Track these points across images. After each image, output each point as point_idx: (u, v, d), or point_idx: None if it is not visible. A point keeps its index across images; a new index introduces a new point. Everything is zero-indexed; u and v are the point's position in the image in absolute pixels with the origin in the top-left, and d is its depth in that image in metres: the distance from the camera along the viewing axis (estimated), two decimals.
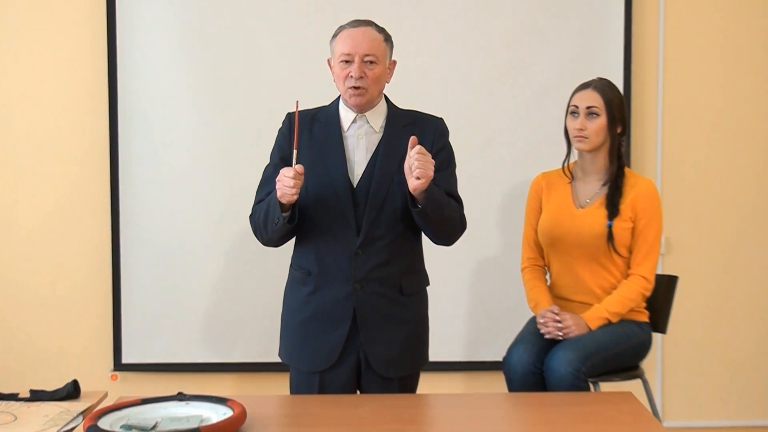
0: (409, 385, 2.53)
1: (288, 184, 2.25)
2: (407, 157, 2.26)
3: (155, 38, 3.55)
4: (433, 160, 2.27)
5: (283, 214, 2.31)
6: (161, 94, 3.55)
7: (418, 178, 2.23)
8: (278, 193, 2.29)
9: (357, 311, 2.40)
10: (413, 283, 2.50)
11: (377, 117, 2.47)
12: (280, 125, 2.54)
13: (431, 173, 2.25)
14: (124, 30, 3.54)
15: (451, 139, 2.53)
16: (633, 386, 2.64)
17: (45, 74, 3.60)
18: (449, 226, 2.43)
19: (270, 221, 2.36)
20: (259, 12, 3.55)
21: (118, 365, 3.61)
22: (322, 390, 2.43)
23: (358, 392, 2.49)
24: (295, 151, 2.29)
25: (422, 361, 2.56)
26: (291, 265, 2.55)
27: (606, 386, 2.72)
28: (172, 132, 3.57)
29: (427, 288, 2.59)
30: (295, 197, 2.28)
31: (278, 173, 2.31)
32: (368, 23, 2.44)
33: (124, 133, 3.56)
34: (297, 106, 2.37)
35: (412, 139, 2.27)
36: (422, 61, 3.56)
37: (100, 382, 3.44)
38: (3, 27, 3.59)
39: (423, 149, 2.26)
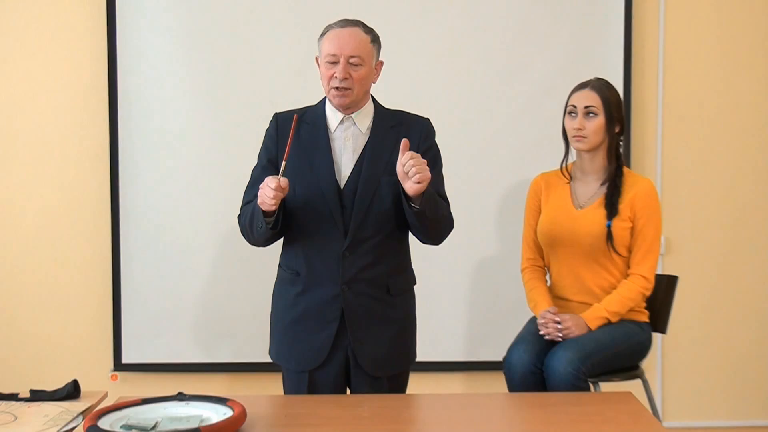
0: (399, 384, 2.53)
1: (269, 194, 2.24)
2: (399, 163, 2.25)
3: (155, 38, 3.55)
4: (425, 160, 2.27)
5: (266, 220, 2.31)
6: (161, 94, 3.56)
7: (418, 182, 2.23)
8: (258, 200, 2.28)
9: (345, 311, 2.41)
10: (400, 282, 2.50)
11: (364, 118, 2.46)
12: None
13: (429, 174, 2.25)
14: (124, 30, 3.54)
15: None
16: (633, 386, 2.64)
17: (45, 74, 3.60)
18: (442, 224, 2.44)
19: (255, 225, 2.37)
20: (258, 12, 3.55)
21: (118, 365, 3.61)
22: (312, 389, 2.43)
23: (348, 391, 2.49)
24: (284, 162, 2.28)
25: (410, 360, 2.56)
26: (279, 264, 2.56)
27: (606, 386, 2.71)
28: (172, 132, 3.57)
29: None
30: (274, 208, 2.27)
31: (265, 175, 2.32)
32: (356, 23, 2.42)
33: (124, 133, 3.56)
34: (295, 120, 2.37)
35: (404, 142, 2.26)
36: (421, 61, 3.56)
37: (100, 382, 3.44)
38: (3, 27, 3.59)
39: (414, 153, 2.24)
